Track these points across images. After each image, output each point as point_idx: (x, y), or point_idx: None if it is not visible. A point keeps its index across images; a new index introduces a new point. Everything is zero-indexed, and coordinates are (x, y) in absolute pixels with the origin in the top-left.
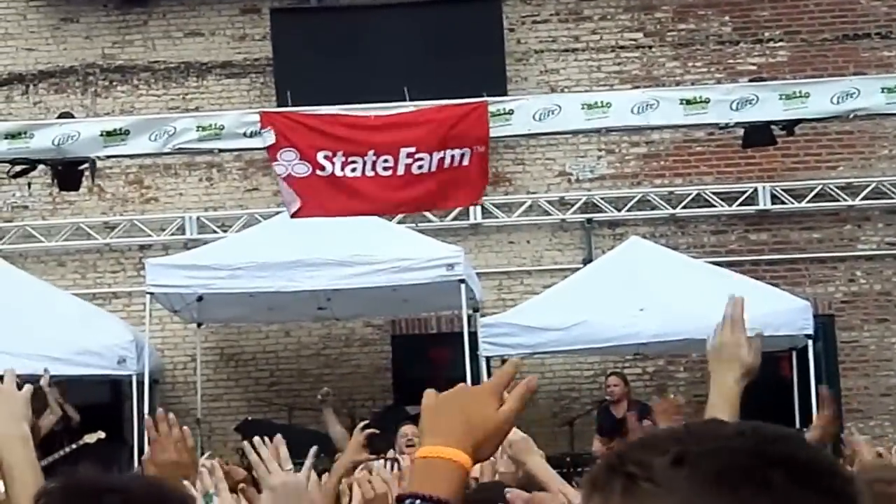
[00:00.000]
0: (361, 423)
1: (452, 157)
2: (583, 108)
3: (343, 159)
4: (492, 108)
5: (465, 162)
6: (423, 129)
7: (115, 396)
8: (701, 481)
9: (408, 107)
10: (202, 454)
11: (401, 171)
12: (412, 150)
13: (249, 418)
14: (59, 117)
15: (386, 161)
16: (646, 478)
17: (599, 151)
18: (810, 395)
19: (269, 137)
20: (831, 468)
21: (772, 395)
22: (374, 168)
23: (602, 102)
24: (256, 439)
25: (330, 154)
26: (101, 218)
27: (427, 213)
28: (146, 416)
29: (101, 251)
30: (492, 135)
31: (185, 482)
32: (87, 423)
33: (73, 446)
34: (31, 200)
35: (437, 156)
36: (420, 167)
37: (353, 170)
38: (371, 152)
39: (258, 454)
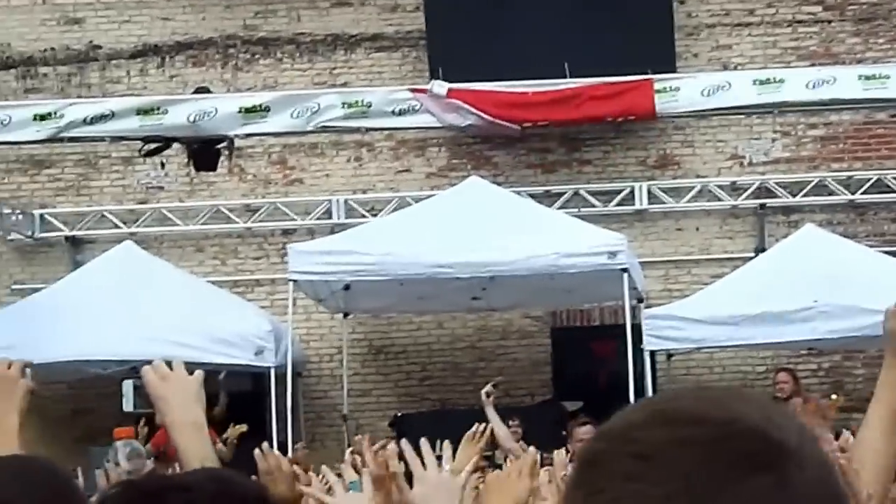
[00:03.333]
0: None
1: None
2: (755, 84)
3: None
4: (657, 86)
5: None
6: (583, 107)
7: (257, 389)
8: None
9: (567, 83)
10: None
11: None
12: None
13: (400, 414)
14: (194, 92)
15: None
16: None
17: (774, 133)
18: None
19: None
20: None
21: None
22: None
23: (775, 79)
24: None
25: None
26: (241, 200)
27: (590, 198)
28: (263, 447)
29: (242, 236)
30: (658, 112)
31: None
32: (228, 416)
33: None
34: (166, 181)
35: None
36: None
37: None
38: (528, 124)
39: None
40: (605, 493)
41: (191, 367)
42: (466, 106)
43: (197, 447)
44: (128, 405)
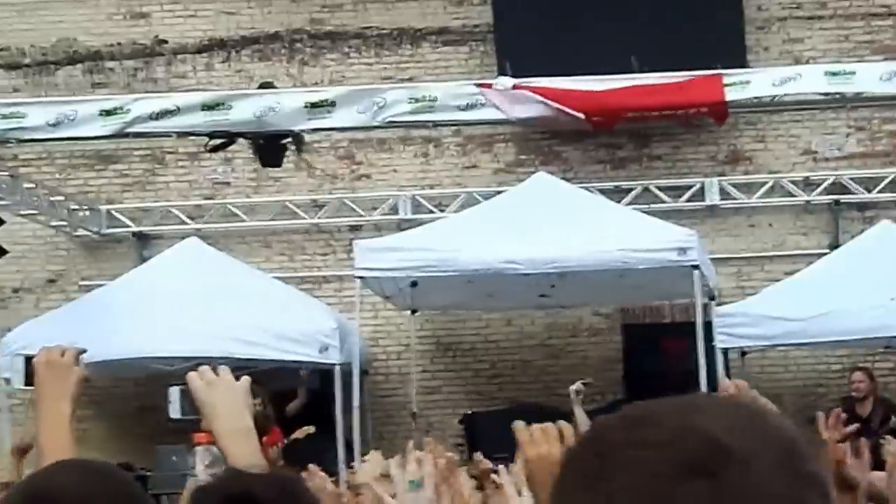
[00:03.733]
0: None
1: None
2: (826, 76)
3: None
4: (727, 80)
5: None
6: (651, 102)
7: (324, 387)
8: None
9: (635, 78)
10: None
11: None
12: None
13: (469, 412)
14: (259, 87)
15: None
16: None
17: (848, 128)
18: None
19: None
20: None
21: None
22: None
23: (845, 71)
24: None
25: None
26: (308, 196)
27: (660, 194)
28: (310, 468)
29: (308, 232)
30: (729, 108)
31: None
32: (297, 414)
33: (285, 441)
34: (233, 177)
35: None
36: None
37: None
38: (595, 119)
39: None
40: (567, 488)
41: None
42: (534, 95)
43: (246, 456)
44: (174, 412)
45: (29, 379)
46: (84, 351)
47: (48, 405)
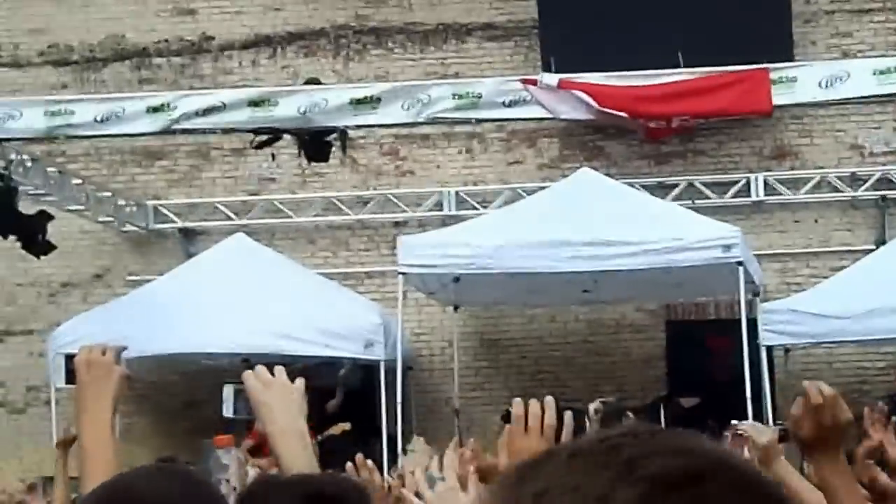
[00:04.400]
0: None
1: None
2: (874, 75)
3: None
4: (773, 76)
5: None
6: (697, 98)
7: (368, 383)
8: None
9: (681, 73)
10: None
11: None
12: (685, 118)
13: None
14: (305, 83)
15: (658, 125)
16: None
17: (895, 122)
18: None
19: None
20: None
21: None
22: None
23: (894, 68)
24: None
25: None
26: (353, 192)
27: (704, 190)
28: (357, 459)
29: (352, 228)
30: (774, 103)
31: None
32: (342, 410)
33: (319, 437)
34: (278, 172)
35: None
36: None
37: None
38: (640, 121)
39: None
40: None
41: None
42: (579, 94)
43: (302, 459)
44: (228, 410)
45: (70, 377)
46: (125, 348)
47: (89, 404)
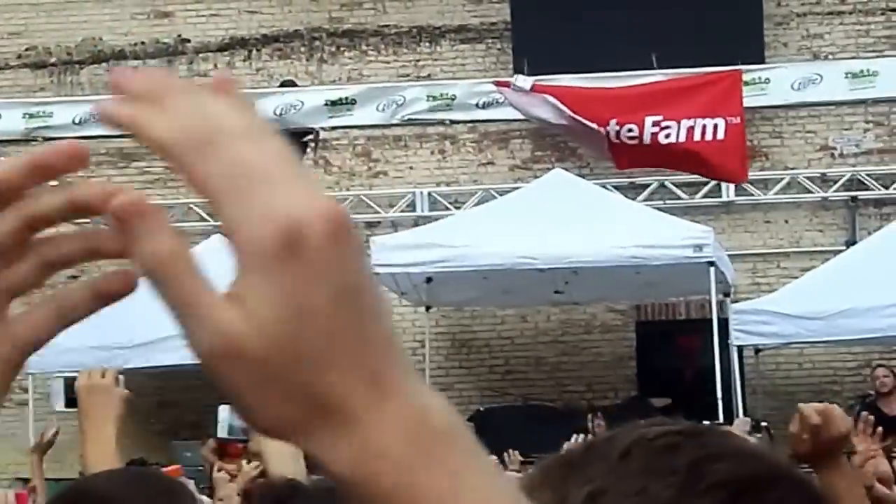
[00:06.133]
0: None
1: (704, 127)
2: (846, 78)
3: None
4: (746, 77)
5: (720, 136)
6: (669, 99)
7: None
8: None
9: (655, 75)
10: None
11: (647, 139)
12: (658, 118)
13: (482, 409)
14: (280, 85)
15: (630, 130)
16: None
17: (866, 124)
18: None
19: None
20: None
21: None
22: (617, 137)
23: (868, 71)
24: None
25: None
26: (326, 192)
27: (676, 190)
28: None
29: None
30: (746, 105)
31: None
32: None
33: None
34: None
35: (685, 124)
36: (667, 136)
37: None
38: (613, 121)
39: None
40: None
41: None
42: (552, 100)
43: (294, 477)
44: (222, 431)
45: (70, 401)
46: (122, 370)
47: (93, 428)
